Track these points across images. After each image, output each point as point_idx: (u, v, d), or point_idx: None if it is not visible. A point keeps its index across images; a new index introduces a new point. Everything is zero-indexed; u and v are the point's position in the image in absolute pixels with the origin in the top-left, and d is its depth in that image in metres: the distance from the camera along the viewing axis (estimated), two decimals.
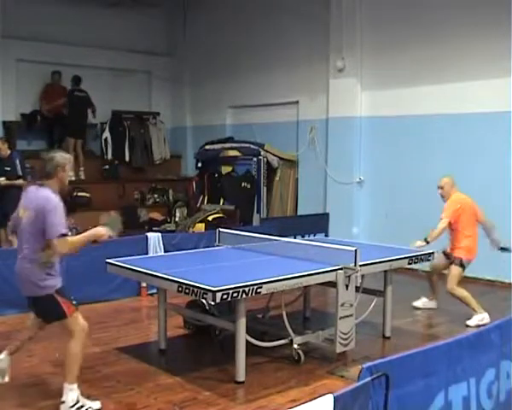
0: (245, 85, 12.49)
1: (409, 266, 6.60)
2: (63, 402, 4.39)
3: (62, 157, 4.51)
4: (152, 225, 11.65)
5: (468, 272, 7.23)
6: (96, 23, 12.66)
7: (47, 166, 4.45)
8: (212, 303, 5.33)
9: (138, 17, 13.36)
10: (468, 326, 6.70)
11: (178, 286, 4.88)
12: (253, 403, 4.76)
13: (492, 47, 8.76)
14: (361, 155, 10.50)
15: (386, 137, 10.20)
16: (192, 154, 13.28)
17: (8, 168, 9.21)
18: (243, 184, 11.46)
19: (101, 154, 12.80)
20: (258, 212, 11.34)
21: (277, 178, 11.56)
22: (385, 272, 6.31)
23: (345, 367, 5.50)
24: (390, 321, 6.42)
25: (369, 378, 2.88)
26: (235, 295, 4.71)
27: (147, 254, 7.87)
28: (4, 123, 11.75)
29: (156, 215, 12.31)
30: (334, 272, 5.40)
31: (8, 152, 9.37)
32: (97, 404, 4.55)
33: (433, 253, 6.52)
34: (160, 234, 8.40)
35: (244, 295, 4.78)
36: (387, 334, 6.42)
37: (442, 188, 7.06)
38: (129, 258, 5.90)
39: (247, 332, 5.13)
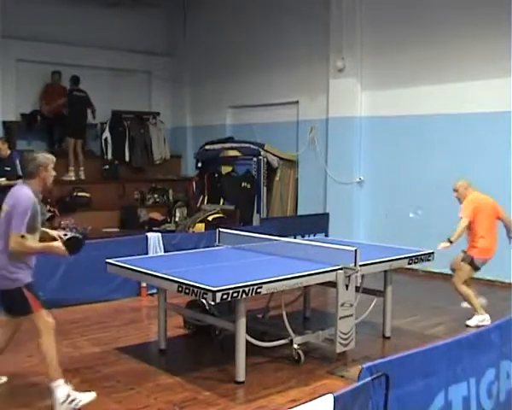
0: (245, 85, 12.49)
1: (409, 266, 6.61)
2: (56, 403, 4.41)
3: (45, 157, 4.55)
4: (152, 225, 11.64)
5: None
6: (96, 23, 12.66)
7: (29, 166, 4.50)
8: (212, 303, 5.33)
9: (138, 17, 13.35)
10: (468, 326, 6.70)
11: (178, 286, 4.89)
12: (253, 403, 4.76)
13: (492, 47, 8.76)
14: (361, 155, 10.49)
15: (386, 137, 10.20)
16: (192, 154, 13.28)
17: (8, 168, 9.19)
18: (243, 184, 11.46)
19: (101, 154, 12.78)
20: (258, 212, 11.34)
21: (277, 178, 11.55)
22: (385, 272, 6.32)
23: (345, 367, 5.51)
24: (390, 321, 6.43)
25: (369, 378, 2.89)
26: (235, 295, 4.71)
27: (147, 254, 7.88)
28: (4, 123, 11.74)
29: (156, 215, 12.30)
30: (334, 272, 5.41)
31: (9, 152, 9.37)
32: (90, 395, 4.55)
33: (432, 253, 6.51)
34: (159, 234, 8.41)
35: (244, 295, 4.78)
36: (387, 334, 6.42)
37: (456, 191, 7.05)
38: (129, 258, 5.91)
39: (247, 332, 5.13)
